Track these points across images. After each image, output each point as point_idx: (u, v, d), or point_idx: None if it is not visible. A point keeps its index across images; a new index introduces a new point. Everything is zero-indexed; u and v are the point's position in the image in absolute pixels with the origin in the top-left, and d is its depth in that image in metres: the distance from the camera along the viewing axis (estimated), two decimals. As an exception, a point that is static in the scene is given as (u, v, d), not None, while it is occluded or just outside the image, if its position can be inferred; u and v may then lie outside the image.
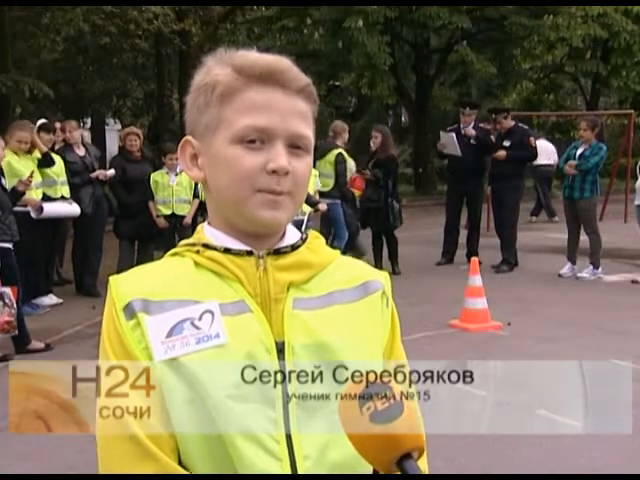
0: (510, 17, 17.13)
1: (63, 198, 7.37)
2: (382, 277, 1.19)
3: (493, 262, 8.94)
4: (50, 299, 7.44)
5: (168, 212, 8.12)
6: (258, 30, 20.26)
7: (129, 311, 1.04)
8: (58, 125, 8.17)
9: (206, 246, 1.10)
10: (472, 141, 9.02)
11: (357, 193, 8.59)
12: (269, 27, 19.31)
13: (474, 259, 6.57)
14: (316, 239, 1.16)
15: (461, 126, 9.17)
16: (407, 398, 0.91)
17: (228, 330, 1.03)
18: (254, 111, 1.04)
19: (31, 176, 6.50)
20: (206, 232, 1.13)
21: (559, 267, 8.67)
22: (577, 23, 16.77)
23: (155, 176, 8.17)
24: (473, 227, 9.43)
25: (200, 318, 1.04)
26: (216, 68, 1.08)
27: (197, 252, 1.10)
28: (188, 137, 1.11)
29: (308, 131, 1.08)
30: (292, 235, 1.13)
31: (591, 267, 8.48)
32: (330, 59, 17.02)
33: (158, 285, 1.06)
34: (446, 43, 19.50)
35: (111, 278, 1.09)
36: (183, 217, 8.11)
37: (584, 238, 8.56)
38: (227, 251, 1.08)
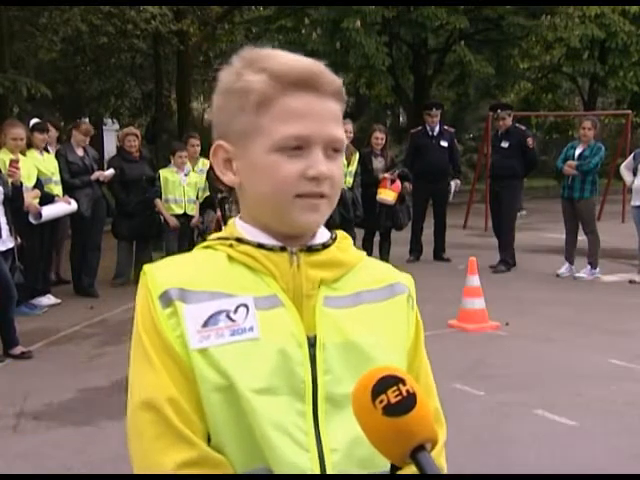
0: (508, 17, 17.14)
1: (56, 197, 7.37)
2: (407, 280, 1.22)
3: (491, 262, 8.96)
4: (48, 299, 7.44)
5: (180, 211, 8.12)
6: (256, 30, 20.25)
7: (165, 299, 1.05)
8: (51, 128, 8.17)
9: (239, 240, 1.11)
10: (442, 144, 9.25)
11: (392, 196, 8.39)
12: (267, 27, 19.29)
13: (472, 259, 6.58)
14: (345, 239, 1.17)
15: (427, 127, 9.37)
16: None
17: (261, 324, 1.05)
18: (293, 119, 1.05)
19: (16, 161, 6.40)
20: (238, 227, 1.14)
21: (557, 267, 8.68)
22: (574, 23, 16.79)
23: (165, 173, 8.14)
24: (441, 225, 9.73)
25: (235, 311, 1.06)
26: (248, 73, 1.07)
27: (230, 246, 1.11)
28: (220, 142, 1.11)
29: (342, 133, 1.10)
30: (323, 233, 1.15)
31: (589, 267, 8.49)
32: (328, 59, 16.91)
33: (193, 276, 1.08)
34: (444, 43, 19.52)
35: (146, 267, 1.10)
36: (191, 217, 8.13)
37: (582, 238, 8.57)
38: (260, 246, 1.10)
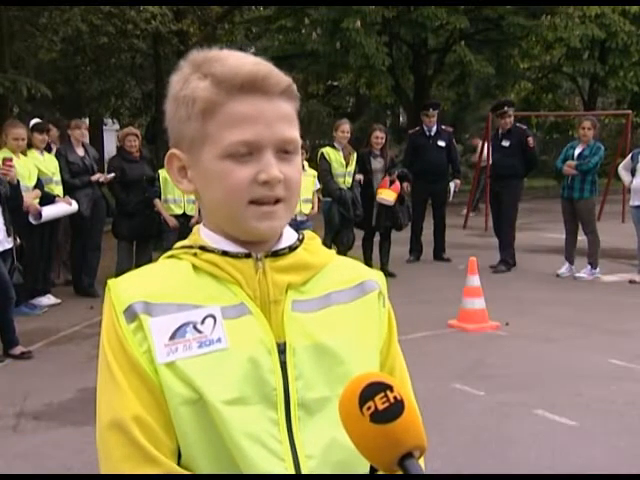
0: (508, 17, 17.15)
1: (57, 197, 7.38)
2: (378, 277, 1.20)
3: (491, 262, 8.96)
4: (48, 299, 7.44)
5: (180, 211, 8.11)
6: (256, 30, 20.29)
7: (130, 314, 1.03)
8: (52, 128, 8.17)
9: (203, 248, 1.09)
10: (440, 143, 9.30)
11: (392, 196, 8.34)
12: (267, 27, 19.32)
13: (472, 259, 6.58)
14: (312, 240, 1.15)
15: (424, 127, 9.40)
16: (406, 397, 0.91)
17: (229, 333, 1.04)
18: (240, 124, 1.03)
19: (10, 160, 6.35)
20: (202, 234, 1.12)
21: (557, 267, 8.68)
22: (575, 23, 16.80)
23: (164, 173, 8.10)
24: (441, 226, 9.76)
25: (202, 322, 1.04)
26: (194, 79, 1.05)
27: (194, 255, 1.09)
28: (174, 150, 1.10)
29: (295, 133, 1.07)
30: (289, 236, 1.13)
31: (589, 267, 8.49)
32: (328, 59, 17.03)
33: (158, 288, 1.06)
34: (444, 43, 19.52)
35: (109, 281, 1.08)
36: (190, 217, 8.13)
37: (582, 238, 8.57)
38: (225, 254, 1.08)
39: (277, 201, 1.05)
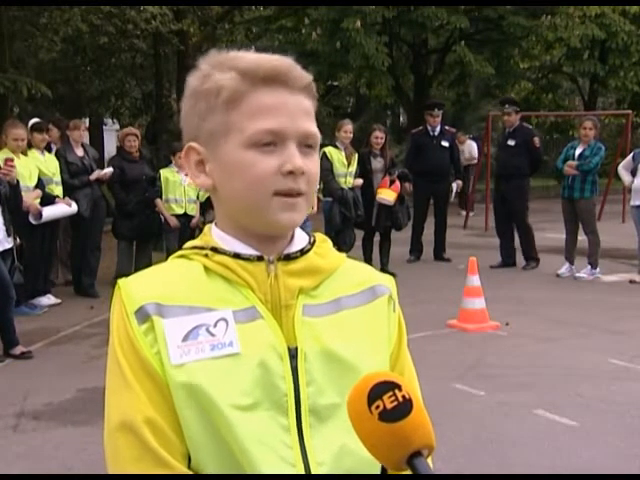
0: (508, 17, 17.14)
1: (57, 197, 7.38)
2: (388, 281, 1.20)
3: (491, 262, 8.96)
4: (48, 299, 7.44)
5: (181, 211, 8.13)
6: (256, 30, 20.27)
7: (141, 315, 1.03)
8: (53, 128, 8.16)
9: (215, 250, 1.08)
10: (443, 144, 9.34)
11: (392, 196, 8.34)
12: (267, 27, 19.30)
13: (472, 259, 6.58)
14: (323, 243, 1.15)
15: (428, 127, 9.38)
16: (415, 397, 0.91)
17: (240, 338, 1.03)
18: (264, 114, 1.04)
19: (11, 160, 6.35)
20: (214, 235, 1.11)
21: (557, 267, 8.68)
22: (575, 23, 16.79)
23: (166, 173, 8.15)
24: (442, 225, 9.79)
25: (215, 325, 1.03)
26: (216, 73, 1.06)
27: (206, 256, 1.08)
28: (192, 144, 1.09)
29: (315, 128, 1.08)
30: (301, 239, 1.12)
31: (589, 267, 8.49)
32: (328, 59, 17.03)
33: (170, 289, 1.05)
34: (444, 43, 19.52)
35: (120, 281, 1.07)
36: (191, 217, 8.14)
37: (582, 238, 8.57)
38: (237, 256, 1.07)
39: (299, 194, 1.05)
